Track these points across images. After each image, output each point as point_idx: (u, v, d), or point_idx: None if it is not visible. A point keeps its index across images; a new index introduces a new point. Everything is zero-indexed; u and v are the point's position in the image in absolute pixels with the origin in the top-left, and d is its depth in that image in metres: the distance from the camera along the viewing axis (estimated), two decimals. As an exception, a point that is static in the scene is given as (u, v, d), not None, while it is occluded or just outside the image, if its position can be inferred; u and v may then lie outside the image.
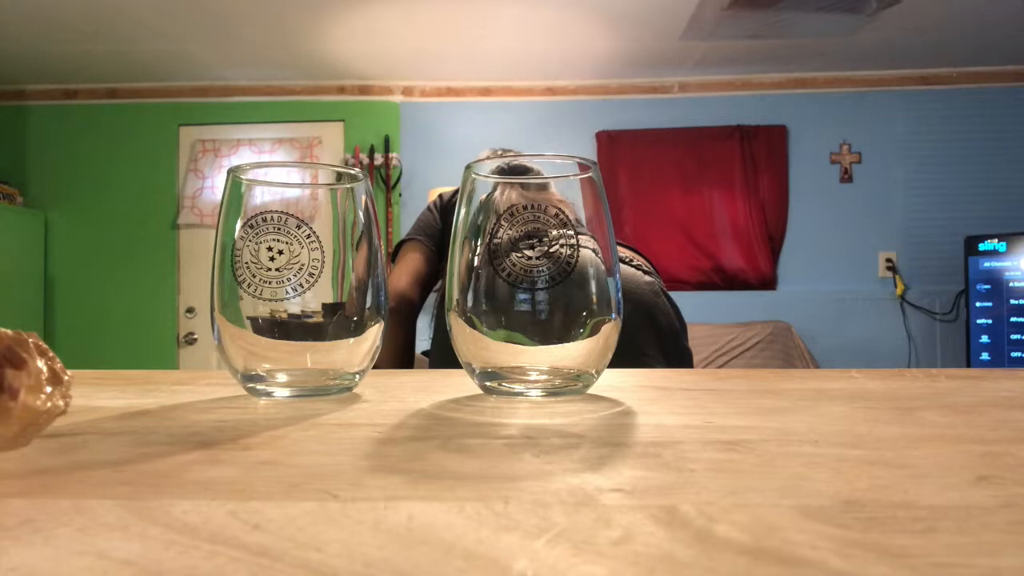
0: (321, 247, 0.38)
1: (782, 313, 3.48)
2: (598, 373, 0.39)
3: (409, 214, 3.49)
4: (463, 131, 3.52)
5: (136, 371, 0.54)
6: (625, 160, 3.53)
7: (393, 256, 1.32)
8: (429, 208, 1.34)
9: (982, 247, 3.23)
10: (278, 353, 0.38)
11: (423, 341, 1.31)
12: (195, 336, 3.72)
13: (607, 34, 3.05)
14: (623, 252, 1.11)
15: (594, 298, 0.37)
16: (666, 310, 1.05)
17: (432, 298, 1.30)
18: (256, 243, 0.37)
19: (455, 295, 0.38)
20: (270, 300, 0.37)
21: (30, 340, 0.21)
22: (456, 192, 1.31)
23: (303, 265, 0.37)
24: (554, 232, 0.36)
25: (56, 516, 0.17)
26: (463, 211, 0.38)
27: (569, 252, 0.36)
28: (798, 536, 0.15)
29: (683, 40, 3.10)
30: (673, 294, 1.09)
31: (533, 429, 0.29)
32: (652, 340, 1.00)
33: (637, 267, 1.07)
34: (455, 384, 0.44)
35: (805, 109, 3.57)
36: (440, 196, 1.36)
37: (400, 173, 3.52)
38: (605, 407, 0.35)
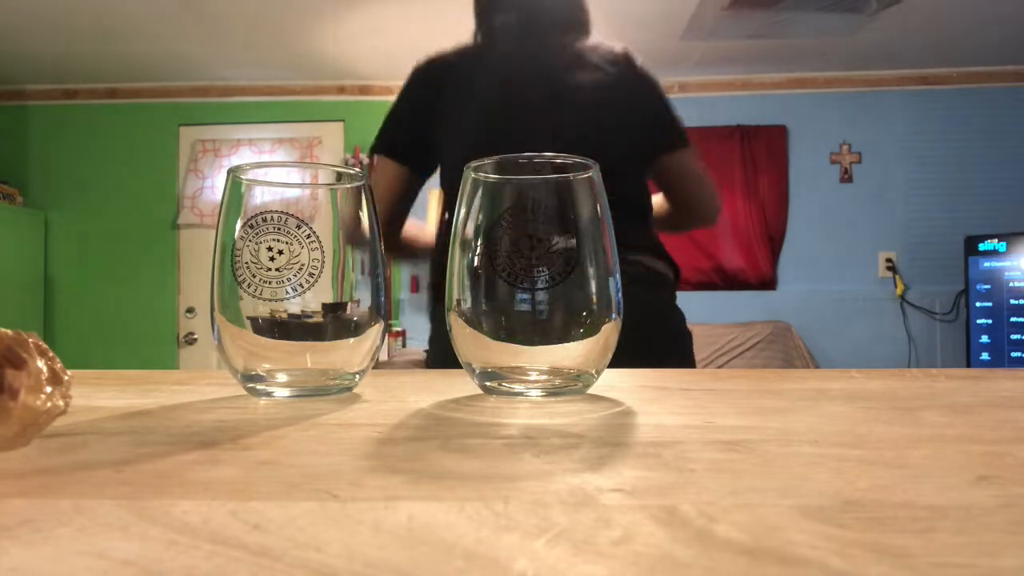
0: (321, 247, 0.38)
1: (782, 313, 3.48)
2: (598, 373, 0.39)
3: (409, 214, 3.49)
4: (463, 131, 3.52)
5: (136, 371, 0.54)
6: (625, 160, 3.53)
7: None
8: (407, 86, 1.08)
9: (982, 247, 3.23)
10: (278, 353, 0.38)
11: (421, 338, 1.25)
12: (195, 336, 3.72)
13: (607, 34, 3.05)
14: (647, 262, 1.02)
15: (594, 298, 0.37)
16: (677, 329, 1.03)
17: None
18: (256, 243, 0.37)
19: (455, 295, 0.38)
20: (270, 300, 0.37)
21: (30, 340, 0.21)
22: (441, 57, 1.06)
23: (303, 265, 0.37)
24: (554, 232, 0.36)
25: (56, 516, 0.17)
26: (463, 211, 0.38)
27: (569, 252, 0.36)
28: (798, 536, 0.15)
29: (683, 40, 3.10)
30: (673, 294, 1.06)
31: (533, 429, 0.29)
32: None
33: (655, 272, 1.01)
34: (455, 384, 0.44)
35: (805, 109, 3.57)
36: (424, 63, 1.07)
37: (400, 173, 3.51)
38: (605, 407, 0.35)
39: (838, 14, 2.78)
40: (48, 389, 0.20)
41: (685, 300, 1.08)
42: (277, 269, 0.37)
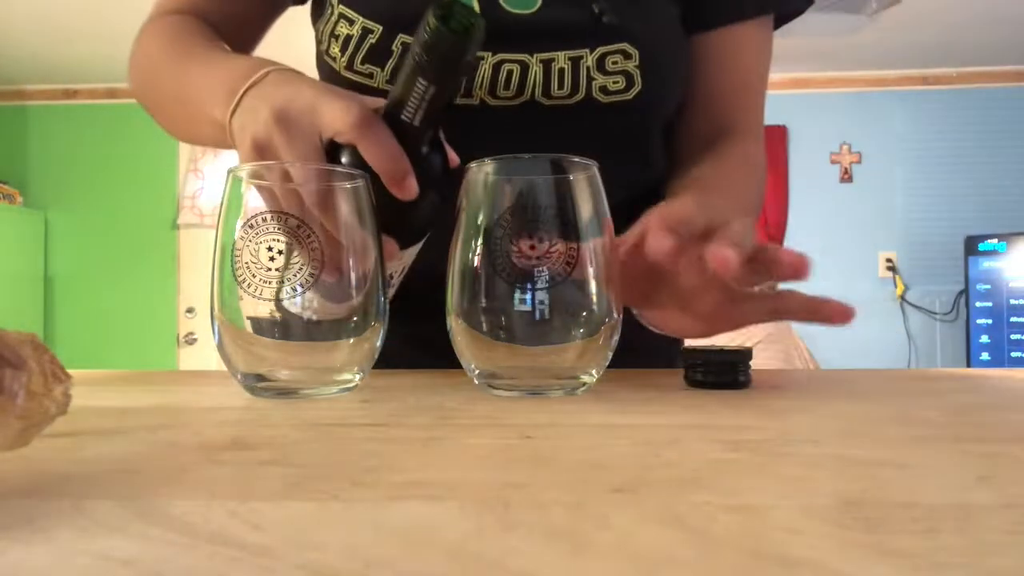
0: (321, 247, 0.38)
1: (782, 313, 3.48)
2: (598, 373, 0.39)
3: (409, 214, 3.48)
4: (463, 131, 3.52)
5: (136, 371, 0.54)
6: (625, 160, 3.53)
7: None
8: None
9: (982, 247, 3.23)
10: (278, 353, 0.38)
11: None
12: (195, 336, 3.72)
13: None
14: None
15: (594, 298, 0.37)
16: None
17: None
18: (256, 243, 0.37)
19: (455, 295, 0.38)
20: (270, 300, 0.37)
21: (30, 340, 0.21)
22: None
23: (303, 265, 0.37)
24: (554, 232, 0.36)
25: (56, 516, 0.17)
26: (463, 211, 0.38)
27: (569, 252, 0.36)
28: (798, 536, 0.15)
29: (683, 40, 3.09)
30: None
31: (532, 429, 0.29)
32: None
33: None
34: (455, 384, 0.44)
35: (805, 109, 3.57)
36: None
37: (400, 173, 3.51)
38: (605, 407, 0.35)
39: (838, 14, 2.78)
40: (48, 389, 0.20)
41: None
42: (277, 269, 0.37)
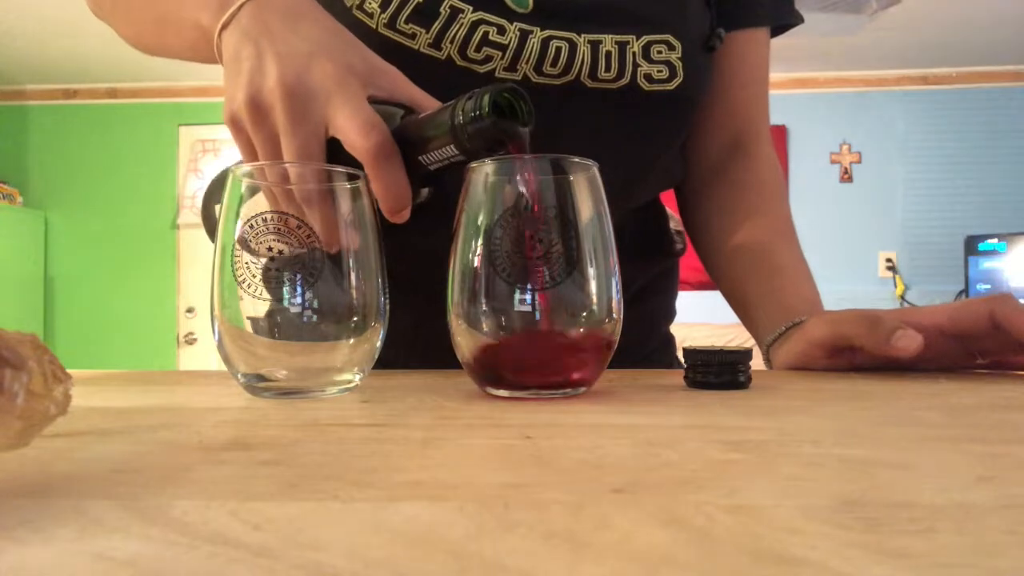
0: (321, 247, 0.38)
1: (782, 313, 3.48)
2: (598, 373, 0.39)
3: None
4: (463, 131, 3.51)
5: (136, 371, 0.54)
6: (625, 160, 3.53)
7: None
8: None
9: (982, 247, 3.23)
10: (278, 353, 0.38)
11: None
12: (195, 336, 3.73)
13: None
14: None
15: (594, 298, 0.37)
16: None
17: None
18: (256, 243, 0.37)
19: (455, 295, 0.38)
20: (270, 300, 0.37)
21: (30, 340, 0.21)
22: None
23: (303, 265, 0.37)
24: (554, 232, 0.36)
25: (56, 516, 0.17)
26: (463, 211, 0.38)
27: (569, 252, 0.36)
28: (798, 536, 0.15)
29: (683, 40, 3.10)
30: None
31: (533, 429, 0.29)
32: None
33: None
34: (455, 384, 0.44)
35: (805, 109, 3.57)
36: None
37: (400, 173, 3.51)
38: (605, 407, 0.35)
39: (838, 14, 2.78)
40: (48, 389, 0.20)
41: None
42: (277, 269, 0.37)
